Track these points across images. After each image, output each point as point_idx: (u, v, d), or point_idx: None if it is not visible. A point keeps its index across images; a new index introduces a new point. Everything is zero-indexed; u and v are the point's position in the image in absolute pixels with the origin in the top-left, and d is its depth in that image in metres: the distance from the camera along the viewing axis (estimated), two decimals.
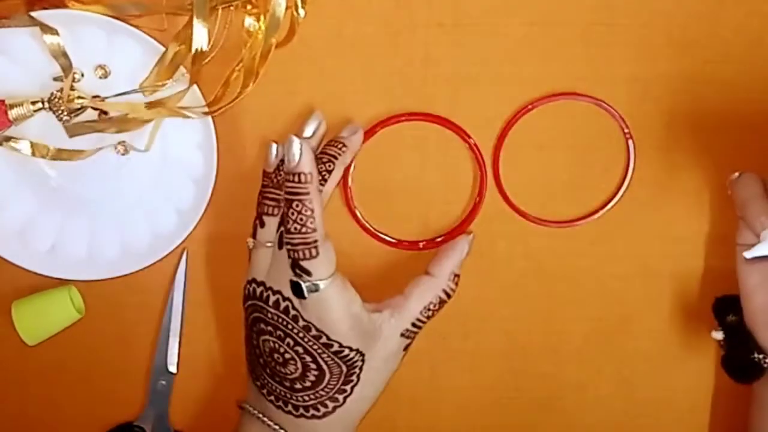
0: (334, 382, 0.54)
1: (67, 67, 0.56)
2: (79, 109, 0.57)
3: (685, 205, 0.63)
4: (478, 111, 0.61)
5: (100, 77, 0.57)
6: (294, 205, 0.52)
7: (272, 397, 0.56)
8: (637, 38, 0.61)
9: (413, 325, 0.56)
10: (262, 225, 0.56)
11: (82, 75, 0.57)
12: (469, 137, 0.61)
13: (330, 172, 0.56)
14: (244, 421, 0.57)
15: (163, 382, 0.63)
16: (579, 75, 0.61)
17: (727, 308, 0.60)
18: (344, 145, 0.57)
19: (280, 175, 0.56)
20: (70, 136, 0.56)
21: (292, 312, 0.54)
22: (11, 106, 0.56)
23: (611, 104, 0.61)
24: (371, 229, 0.62)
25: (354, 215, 0.62)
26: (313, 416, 0.55)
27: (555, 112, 0.61)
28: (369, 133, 0.60)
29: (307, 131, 0.57)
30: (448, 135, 0.61)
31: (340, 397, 0.55)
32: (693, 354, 0.64)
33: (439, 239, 0.62)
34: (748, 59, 0.61)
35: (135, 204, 0.60)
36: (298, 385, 0.55)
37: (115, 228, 0.60)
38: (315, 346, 0.54)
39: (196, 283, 0.63)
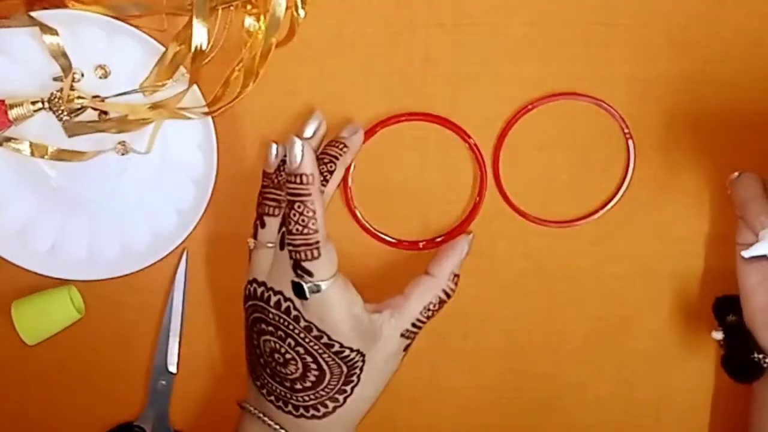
0: (335, 383, 0.54)
1: (66, 67, 0.56)
2: (79, 109, 0.57)
3: (685, 205, 0.63)
4: (478, 111, 0.61)
5: (100, 77, 0.57)
6: (296, 206, 0.52)
7: (272, 397, 0.56)
8: (637, 38, 0.61)
9: (413, 325, 0.56)
10: (263, 225, 0.56)
11: (82, 75, 0.57)
12: (469, 137, 0.61)
13: (331, 172, 0.56)
14: (244, 420, 0.57)
15: (163, 382, 0.63)
16: (579, 75, 0.61)
17: (727, 308, 0.60)
18: (345, 146, 0.57)
19: (281, 175, 0.56)
20: (69, 136, 0.56)
21: (294, 312, 0.54)
22: (11, 106, 0.56)
23: (611, 104, 0.61)
24: (371, 229, 0.62)
25: (354, 215, 0.62)
26: (313, 416, 0.55)
27: (555, 112, 0.61)
28: (369, 133, 0.60)
29: (308, 131, 0.57)
30: (448, 135, 0.61)
31: (341, 398, 0.55)
32: (693, 354, 0.64)
33: (439, 239, 0.62)
34: (748, 59, 0.61)
35: (135, 204, 0.60)
36: (298, 386, 0.55)
37: (115, 228, 0.60)
38: (316, 347, 0.54)
39: (196, 283, 0.63)
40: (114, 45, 0.57)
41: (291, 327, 0.54)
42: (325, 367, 0.54)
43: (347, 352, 0.54)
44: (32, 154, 0.57)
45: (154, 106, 0.56)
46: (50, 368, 0.63)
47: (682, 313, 0.63)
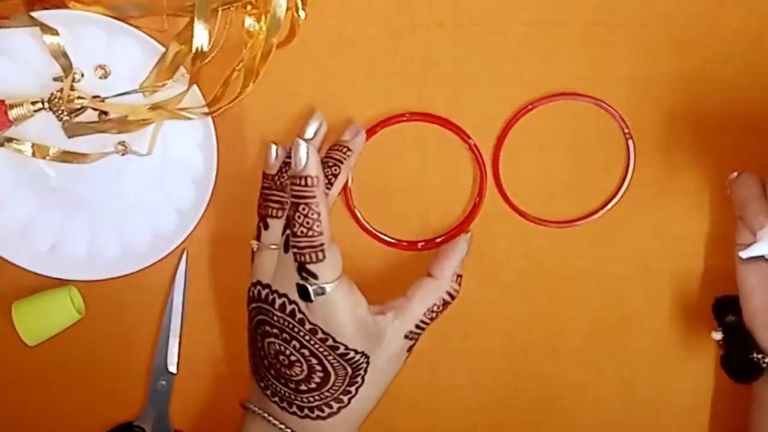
0: (339, 384, 0.54)
1: (67, 67, 0.56)
2: (79, 109, 0.57)
3: (685, 205, 0.63)
4: (478, 111, 0.61)
5: (100, 77, 0.57)
6: (300, 208, 0.52)
7: (276, 398, 0.56)
8: (637, 38, 0.61)
9: (417, 326, 0.56)
10: (266, 227, 0.56)
11: (82, 75, 0.57)
12: (469, 137, 0.61)
13: (336, 176, 0.56)
14: (248, 420, 0.57)
15: (163, 382, 0.63)
16: (579, 75, 0.61)
17: (726, 308, 0.60)
18: (348, 149, 0.57)
19: (283, 177, 0.56)
20: (69, 137, 0.56)
21: (299, 315, 0.54)
22: (11, 106, 0.56)
23: (611, 104, 0.61)
24: (371, 229, 0.62)
25: (354, 215, 0.62)
26: (318, 417, 0.55)
27: (555, 112, 0.61)
28: (369, 133, 0.60)
29: (309, 132, 0.57)
30: (448, 135, 0.61)
31: (345, 398, 0.55)
32: (693, 354, 0.64)
33: (438, 239, 0.62)
34: (748, 59, 0.61)
35: (135, 204, 0.60)
36: (303, 387, 0.55)
37: (115, 228, 0.60)
38: (321, 349, 0.54)
39: (196, 283, 0.63)
40: (114, 45, 0.57)
41: (296, 329, 0.54)
42: (329, 368, 0.54)
43: (352, 353, 0.54)
44: (34, 155, 0.57)
45: (155, 107, 0.56)
46: (50, 368, 0.63)
47: (682, 313, 0.63)
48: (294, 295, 0.54)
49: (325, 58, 0.60)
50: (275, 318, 0.54)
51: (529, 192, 0.62)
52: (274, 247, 0.55)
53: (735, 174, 0.58)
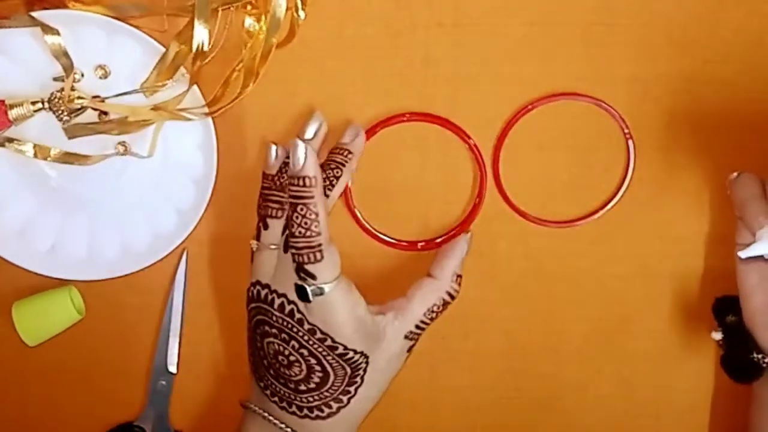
0: (339, 384, 0.54)
1: (68, 67, 0.56)
2: (79, 109, 0.57)
3: (685, 205, 0.63)
4: (478, 111, 0.61)
5: (100, 77, 0.57)
6: (299, 209, 0.52)
7: (276, 398, 0.56)
8: (637, 38, 0.61)
9: (417, 327, 0.56)
10: (266, 227, 0.56)
11: (82, 75, 0.57)
12: (469, 137, 0.61)
13: (338, 178, 0.56)
14: (247, 420, 0.57)
15: (163, 382, 0.63)
16: (579, 75, 0.61)
17: (726, 308, 0.60)
18: (349, 152, 0.57)
19: (283, 177, 0.56)
20: (70, 138, 0.56)
21: (298, 315, 0.54)
22: (11, 106, 0.56)
23: (611, 104, 0.61)
24: (371, 229, 0.62)
25: (354, 215, 0.62)
26: (317, 417, 0.55)
27: (555, 112, 0.61)
28: (369, 133, 0.60)
29: (309, 132, 0.57)
30: (448, 135, 0.61)
31: (344, 398, 0.55)
32: (693, 354, 0.64)
33: (438, 239, 0.62)
34: (748, 59, 0.61)
35: (135, 204, 0.60)
36: (302, 387, 0.55)
37: (115, 228, 0.60)
38: (320, 349, 0.54)
39: (196, 283, 0.63)
40: (114, 45, 0.57)
41: (295, 329, 0.54)
42: (329, 368, 0.54)
43: (351, 354, 0.54)
44: (35, 155, 0.57)
45: (155, 108, 0.56)
46: (50, 369, 0.63)
47: (682, 313, 0.63)
48: (293, 295, 0.54)
49: (324, 58, 0.60)
50: (274, 318, 0.54)
51: (529, 192, 0.62)
52: (273, 247, 0.55)
53: (735, 174, 0.58)
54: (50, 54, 0.55)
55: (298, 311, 0.54)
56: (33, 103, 0.56)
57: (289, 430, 0.55)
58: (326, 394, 0.55)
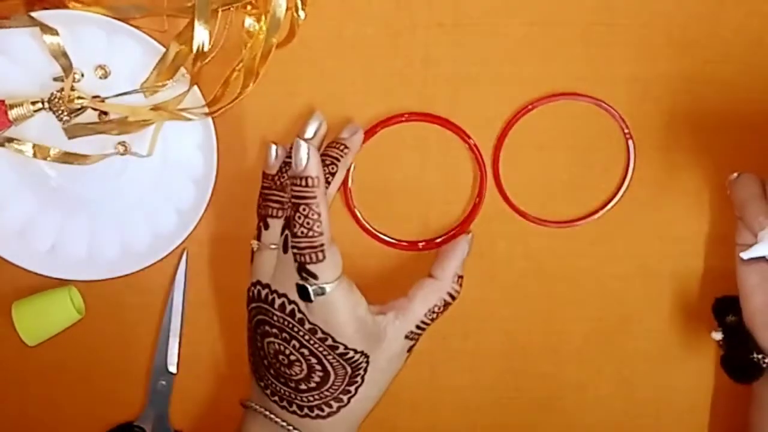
0: (339, 383, 0.54)
1: (67, 68, 0.56)
2: (79, 109, 0.57)
3: (685, 205, 0.63)
4: (478, 111, 0.61)
5: (100, 77, 0.57)
6: (301, 209, 0.52)
7: (276, 398, 0.56)
8: (637, 38, 0.61)
9: (417, 327, 0.56)
10: (266, 227, 0.56)
11: (82, 75, 0.57)
12: (469, 137, 0.61)
13: (333, 174, 0.56)
14: (248, 419, 0.57)
15: (163, 382, 0.63)
16: (579, 75, 0.61)
17: (726, 308, 0.60)
18: (346, 147, 0.57)
19: (283, 177, 0.56)
20: (70, 138, 0.56)
21: (298, 315, 0.54)
22: (11, 106, 0.56)
23: (611, 104, 0.61)
24: (371, 229, 0.62)
25: (354, 215, 0.62)
26: (318, 416, 0.55)
27: (555, 112, 0.61)
28: (369, 133, 0.60)
29: (309, 132, 0.57)
30: (448, 135, 0.61)
31: (345, 398, 0.55)
32: (693, 354, 0.64)
33: (438, 239, 0.62)
34: (748, 59, 0.61)
35: (135, 204, 0.60)
36: (303, 386, 0.55)
37: (115, 228, 0.60)
38: (320, 348, 0.54)
39: (196, 283, 0.63)
40: (114, 45, 0.57)
41: (296, 329, 0.54)
42: (329, 368, 0.54)
43: (351, 353, 0.54)
44: (35, 155, 0.57)
45: (155, 108, 0.56)
46: (50, 369, 0.63)
47: (682, 313, 0.63)
48: (293, 295, 0.54)
49: (324, 58, 0.60)
50: (275, 318, 0.54)
51: (529, 192, 0.62)
52: (274, 246, 0.55)
53: (735, 174, 0.58)
54: (49, 54, 0.55)
55: (299, 311, 0.54)
56: (33, 103, 0.56)
57: (291, 427, 0.55)
58: (326, 393, 0.55)
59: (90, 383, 0.64)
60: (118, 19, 0.56)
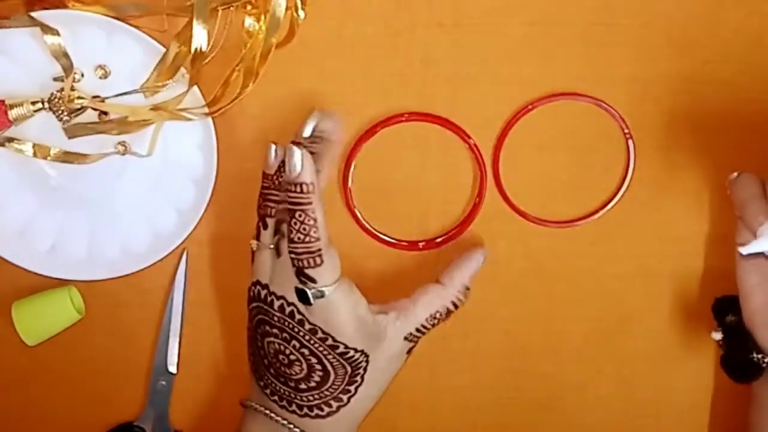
0: (339, 383, 0.54)
1: (68, 68, 0.56)
2: (79, 109, 0.57)
3: (685, 205, 0.63)
4: (478, 111, 0.61)
5: (100, 77, 0.57)
6: (297, 215, 0.52)
7: (276, 397, 0.56)
8: (637, 38, 0.61)
9: (417, 330, 0.56)
10: (265, 227, 0.56)
11: (82, 75, 0.57)
12: (469, 137, 0.61)
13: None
14: (248, 418, 0.57)
15: (163, 382, 0.63)
16: (579, 75, 0.61)
17: (726, 308, 0.60)
18: (323, 139, 0.57)
19: (282, 176, 0.56)
20: (70, 138, 0.56)
21: (298, 316, 0.54)
22: (11, 106, 0.56)
23: (611, 104, 0.61)
24: (371, 229, 0.62)
25: (354, 215, 0.62)
26: (318, 416, 0.55)
27: (555, 112, 0.61)
28: (369, 133, 0.60)
29: (307, 131, 0.57)
30: (448, 135, 0.61)
31: (345, 397, 0.55)
32: (693, 354, 0.64)
33: (438, 239, 0.62)
34: (748, 59, 0.61)
35: (135, 204, 0.60)
36: (303, 386, 0.55)
37: (115, 228, 0.60)
38: (321, 348, 0.54)
39: (196, 283, 0.63)
40: (114, 45, 0.57)
41: (296, 329, 0.54)
42: (329, 367, 0.54)
43: (351, 352, 0.54)
44: (35, 155, 0.57)
45: (155, 108, 0.56)
46: (50, 368, 0.63)
47: (682, 313, 0.63)
48: (292, 297, 0.54)
49: (324, 57, 0.60)
50: (275, 318, 0.54)
51: (529, 192, 0.62)
52: (273, 247, 0.55)
53: (735, 174, 0.58)
54: (50, 54, 0.55)
55: (299, 312, 0.54)
56: (33, 103, 0.56)
57: (291, 426, 0.55)
58: (326, 392, 0.55)
59: (90, 383, 0.64)
60: (118, 19, 0.56)
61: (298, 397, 0.55)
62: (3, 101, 0.56)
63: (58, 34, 0.55)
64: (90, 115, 0.57)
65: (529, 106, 0.61)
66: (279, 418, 0.55)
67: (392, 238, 0.62)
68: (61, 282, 0.61)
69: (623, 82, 0.61)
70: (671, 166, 0.62)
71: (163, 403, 0.63)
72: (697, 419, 0.65)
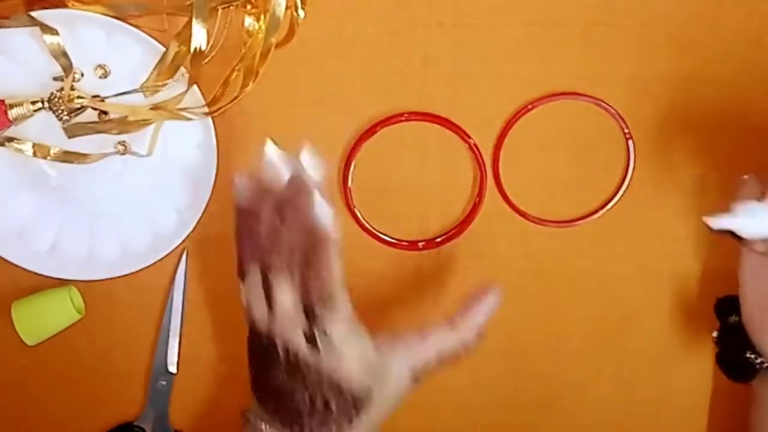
0: (341, 413, 0.53)
1: (67, 67, 0.56)
2: (79, 108, 0.57)
3: (685, 205, 0.63)
4: (478, 111, 0.61)
5: (100, 77, 0.57)
6: (314, 259, 0.51)
7: (277, 418, 0.55)
8: (637, 38, 0.61)
9: (423, 367, 0.54)
10: (248, 276, 0.53)
11: (82, 75, 0.57)
12: (469, 137, 0.61)
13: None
14: (248, 429, 0.56)
15: (163, 382, 0.63)
16: (579, 75, 0.61)
17: (728, 308, 0.60)
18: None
19: (282, 216, 0.52)
20: (70, 137, 0.57)
21: (304, 359, 0.52)
22: (11, 106, 0.56)
23: (611, 104, 0.61)
24: (371, 228, 0.62)
25: (354, 215, 0.62)
26: None
27: (555, 112, 0.61)
28: (369, 133, 0.60)
29: (314, 174, 0.53)
30: (448, 135, 0.61)
31: (346, 423, 0.54)
32: (693, 354, 0.64)
33: (438, 239, 0.62)
34: (748, 59, 0.61)
35: (135, 204, 0.60)
36: (305, 414, 0.53)
37: (115, 228, 0.60)
38: (324, 385, 0.52)
39: (195, 283, 0.63)
40: (114, 45, 0.57)
41: (301, 371, 0.52)
42: (332, 400, 0.53)
43: (356, 387, 0.52)
44: (35, 154, 0.57)
45: (155, 107, 0.56)
46: (50, 368, 0.63)
47: (682, 313, 0.63)
48: (299, 340, 0.52)
49: (324, 57, 0.60)
50: (278, 357, 0.53)
51: (529, 192, 0.62)
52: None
53: (746, 176, 0.56)
54: (49, 54, 0.55)
55: (305, 353, 0.52)
56: (33, 102, 0.56)
57: None
58: (329, 420, 0.53)
59: (90, 383, 0.64)
60: (118, 19, 0.56)
61: (299, 422, 0.54)
62: (3, 101, 0.56)
63: (57, 33, 0.55)
64: (90, 115, 0.57)
65: (529, 106, 0.61)
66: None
67: (392, 238, 0.62)
68: (61, 282, 0.61)
69: (623, 82, 0.61)
70: (671, 166, 0.62)
71: (162, 403, 0.63)
72: (697, 419, 0.65)
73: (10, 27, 0.55)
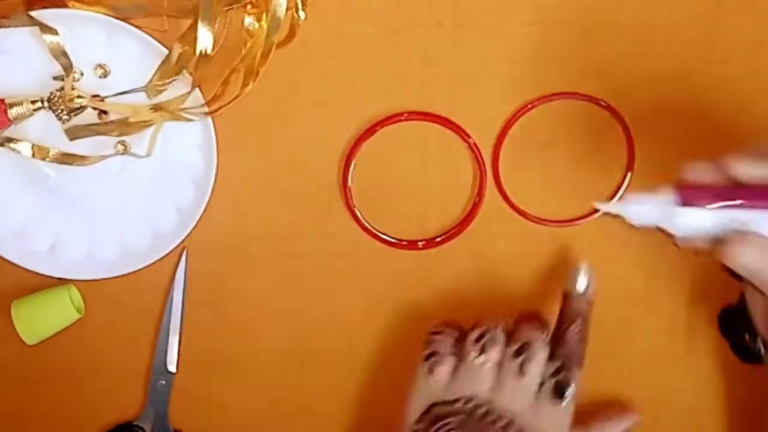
0: None
1: (67, 67, 0.56)
2: (78, 108, 0.57)
3: None
4: (478, 111, 0.61)
5: (100, 77, 0.57)
6: (575, 324, 0.57)
7: None
8: (637, 38, 0.61)
9: None
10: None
11: (82, 74, 0.57)
12: (469, 137, 0.61)
13: None
14: None
15: (163, 382, 0.63)
16: (579, 75, 0.61)
17: (732, 321, 0.60)
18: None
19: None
20: (71, 139, 0.56)
21: (489, 414, 0.55)
22: (11, 106, 0.56)
23: (611, 104, 0.61)
24: (371, 228, 0.62)
25: (354, 215, 0.62)
26: None
27: (555, 112, 0.61)
28: (369, 133, 0.60)
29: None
30: (448, 135, 0.61)
31: None
32: (693, 354, 0.64)
33: (438, 239, 0.62)
34: (748, 59, 0.61)
35: (135, 204, 0.60)
36: None
37: (115, 228, 0.60)
38: None
39: (196, 283, 0.63)
40: (114, 44, 0.57)
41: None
42: None
43: None
44: (34, 156, 0.57)
45: (156, 108, 0.56)
46: (50, 368, 0.63)
47: (682, 313, 0.63)
48: (515, 405, 0.55)
49: (324, 57, 0.60)
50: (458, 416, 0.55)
51: (528, 192, 0.62)
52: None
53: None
54: (49, 53, 0.55)
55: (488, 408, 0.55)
56: (33, 102, 0.56)
57: None
58: None
59: (90, 383, 0.64)
60: (119, 19, 0.56)
61: None
62: (3, 100, 0.56)
63: (56, 33, 0.55)
64: (90, 114, 0.57)
65: (529, 106, 0.61)
66: None
67: (392, 238, 0.62)
68: (61, 281, 0.61)
69: (623, 82, 0.61)
70: (671, 166, 0.62)
71: (162, 403, 0.63)
72: (697, 419, 0.64)
73: (9, 26, 0.55)
